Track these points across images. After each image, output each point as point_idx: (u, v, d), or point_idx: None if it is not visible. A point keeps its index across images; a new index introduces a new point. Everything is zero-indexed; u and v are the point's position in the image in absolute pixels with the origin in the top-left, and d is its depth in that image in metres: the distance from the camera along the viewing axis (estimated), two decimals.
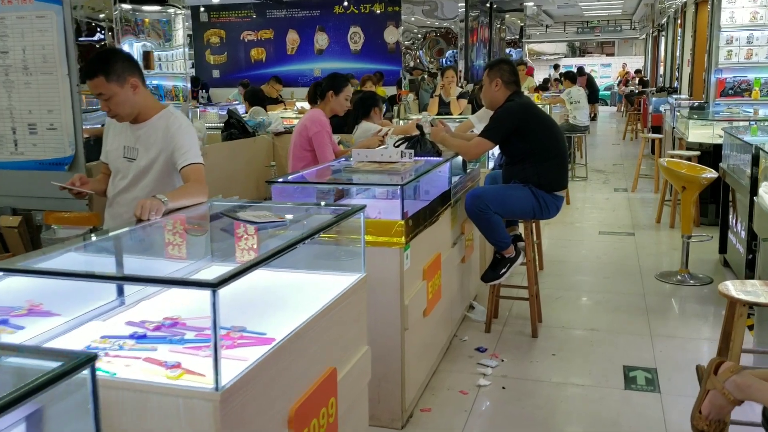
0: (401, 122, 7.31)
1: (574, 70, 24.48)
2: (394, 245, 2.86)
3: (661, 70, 17.00)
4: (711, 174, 4.96)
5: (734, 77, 8.16)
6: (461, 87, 11.40)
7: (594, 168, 11.01)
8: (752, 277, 4.12)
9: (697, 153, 6.75)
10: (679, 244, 5.85)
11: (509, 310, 4.42)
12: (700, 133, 7.14)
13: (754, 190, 4.22)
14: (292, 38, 14.75)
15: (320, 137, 4.20)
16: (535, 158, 3.84)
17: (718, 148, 6.70)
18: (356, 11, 14.24)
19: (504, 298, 4.32)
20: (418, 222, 3.11)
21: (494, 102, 3.99)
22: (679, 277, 5.05)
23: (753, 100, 8.10)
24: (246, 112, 6.18)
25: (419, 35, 10.01)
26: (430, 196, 3.61)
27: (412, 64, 9.93)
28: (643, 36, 24.73)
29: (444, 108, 7.70)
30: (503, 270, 3.97)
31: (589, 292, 4.90)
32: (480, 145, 3.97)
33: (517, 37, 18.66)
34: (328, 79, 4.33)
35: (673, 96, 11.37)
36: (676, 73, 12.67)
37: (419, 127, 3.85)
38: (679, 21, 12.27)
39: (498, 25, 16.83)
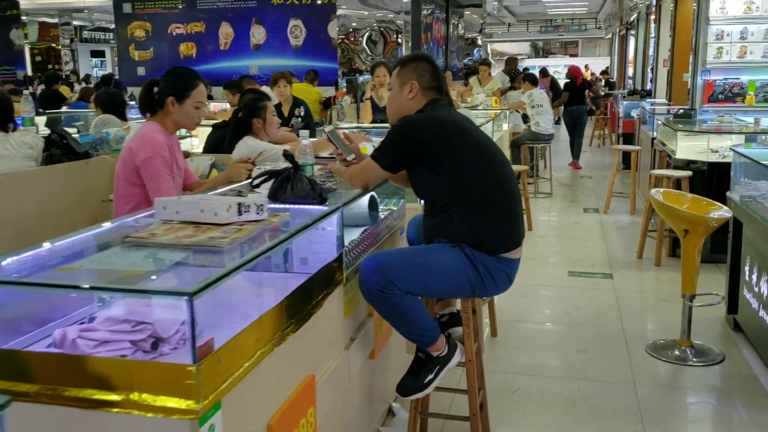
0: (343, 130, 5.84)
1: (536, 71, 23.35)
2: (174, 414, 1.42)
3: (630, 72, 15.86)
4: (722, 212, 3.62)
5: (725, 79, 6.91)
6: None
7: (560, 181, 9.70)
8: None
9: (689, 173, 5.44)
10: (670, 293, 4.53)
11: (443, 423, 3.00)
12: (687, 146, 5.84)
13: None
14: (226, 32, 13.17)
15: (151, 166, 2.74)
16: (466, 203, 2.44)
17: (715, 168, 5.42)
18: (297, 2, 12.72)
19: (434, 417, 2.88)
20: (246, 346, 1.67)
21: (403, 114, 2.58)
22: (678, 353, 3.70)
23: (747, 106, 6.85)
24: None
25: (360, 28, 8.61)
26: (295, 277, 2.18)
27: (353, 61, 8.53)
28: (609, 35, 23.69)
29: (379, 114, 6.29)
30: (430, 376, 2.54)
31: (558, 381, 3.51)
32: (365, 171, 2.59)
33: (477, 35, 17.38)
34: (167, 78, 2.86)
35: (648, 100, 10.14)
36: (650, 74, 11.47)
37: (288, 156, 2.39)
38: (653, 16, 11.08)
39: (455, 22, 15.50)
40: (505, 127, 8.58)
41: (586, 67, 24.22)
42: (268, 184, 2.41)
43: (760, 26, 6.65)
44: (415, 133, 2.47)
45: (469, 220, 2.44)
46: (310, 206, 2.32)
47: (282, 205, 2.34)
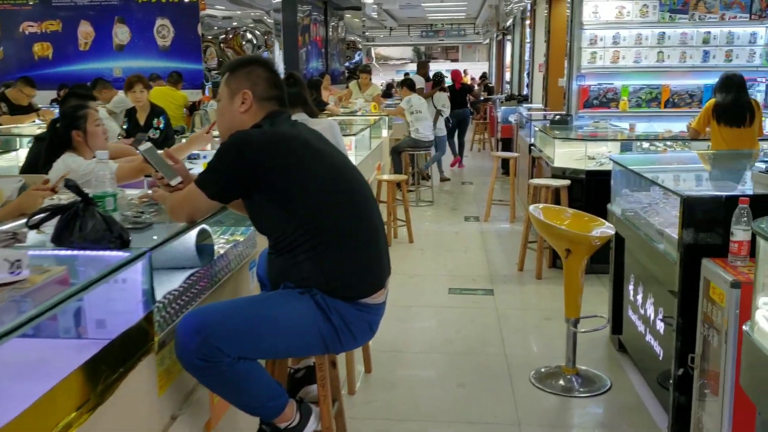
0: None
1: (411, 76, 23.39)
2: None
3: (508, 76, 16.06)
4: (605, 229, 3.36)
5: (599, 85, 6.87)
6: None
7: (442, 188, 9.50)
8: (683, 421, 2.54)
9: (567, 183, 5.27)
10: (552, 310, 4.30)
11: None
12: (564, 153, 5.69)
13: (689, 269, 2.63)
14: (85, 31, 12.07)
15: None
16: (316, 239, 1.98)
17: (594, 176, 5.27)
18: (163, 0, 11.87)
19: None
20: None
21: (235, 129, 2.10)
22: (564, 382, 3.41)
23: (621, 111, 6.84)
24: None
25: (229, 28, 7.99)
26: (88, 346, 1.64)
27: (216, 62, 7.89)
28: (487, 41, 24.13)
29: None
30: None
31: (438, 426, 3.12)
32: (188, 201, 2.08)
33: (357, 38, 17.07)
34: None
35: (525, 105, 10.13)
36: (526, 79, 11.54)
37: (71, 186, 1.81)
38: (528, 21, 11.14)
39: (335, 24, 15.10)
40: (385, 133, 8.24)
41: (465, 71, 24.56)
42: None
43: (631, 31, 6.66)
44: (249, 152, 1.99)
45: (320, 261, 1.98)
46: (107, 251, 1.78)
47: (70, 252, 1.79)
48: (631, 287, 3.52)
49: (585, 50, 6.77)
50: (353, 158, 5.61)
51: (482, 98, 16.73)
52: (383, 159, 7.87)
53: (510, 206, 7.36)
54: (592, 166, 5.45)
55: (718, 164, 4.24)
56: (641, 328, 3.35)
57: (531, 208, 3.50)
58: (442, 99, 9.56)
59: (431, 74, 11.16)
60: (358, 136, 5.94)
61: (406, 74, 24.52)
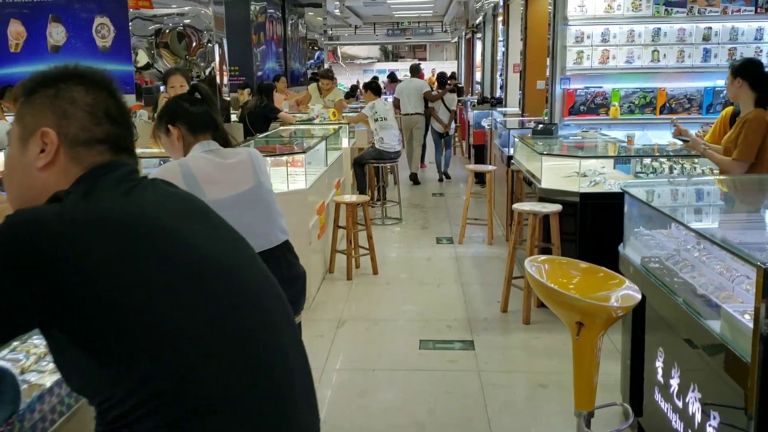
0: None
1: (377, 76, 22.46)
2: None
3: (478, 77, 15.25)
4: (628, 291, 2.49)
5: (586, 88, 6.04)
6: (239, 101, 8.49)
7: (411, 202, 8.62)
8: None
9: (558, 208, 4.42)
10: (548, 373, 3.42)
11: None
12: (550, 168, 4.84)
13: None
14: (16, 31, 10.89)
15: None
16: (167, 410, 1.07)
17: (590, 199, 4.44)
18: None
19: None
20: None
21: (28, 202, 1.17)
22: None
23: (611, 119, 6.02)
24: None
25: (161, 25, 6.99)
26: None
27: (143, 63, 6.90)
28: (455, 39, 23.33)
29: None
30: None
31: None
32: None
33: (320, 36, 16.11)
34: None
35: (500, 110, 9.30)
36: (500, 80, 10.72)
37: None
38: (501, 18, 10.31)
39: (294, 22, 14.12)
40: (346, 143, 7.33)
41: (432, 71, 23.74)
42: None
43: (622, 28, 5.83)
44: (32, 253, 1.06)
45: None
46: None
47: None
48: (658, 365, 2.65)
49: (570, 49, 5.94)
50: (303, 181, 4.70)
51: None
52: (344, 173, 6.96)
53: (487, 226, 6.50)
54: (586, 186, 4.61)
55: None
56: (674, 420, 2.50)
57: (527, 264, 2.61)
58: (454, 99, 10.39)
59: (401, 75, 10.54)
60: (308, 153, 5.03)
61: (375, 77, 23.65)
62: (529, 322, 4.37)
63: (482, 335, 4.22)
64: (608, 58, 5.90)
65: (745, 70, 3.56)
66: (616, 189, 4.50)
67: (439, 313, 4.62)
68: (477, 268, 5.70)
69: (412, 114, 9.95)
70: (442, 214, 7.85)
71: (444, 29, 24.59)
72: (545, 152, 4.82)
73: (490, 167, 6.76)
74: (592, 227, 4.45)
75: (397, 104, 10.26)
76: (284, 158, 4.58)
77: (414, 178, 9.95)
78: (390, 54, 39.89)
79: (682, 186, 3.62)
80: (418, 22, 24.43)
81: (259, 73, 11.64)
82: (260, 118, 6.94)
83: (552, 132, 5.76)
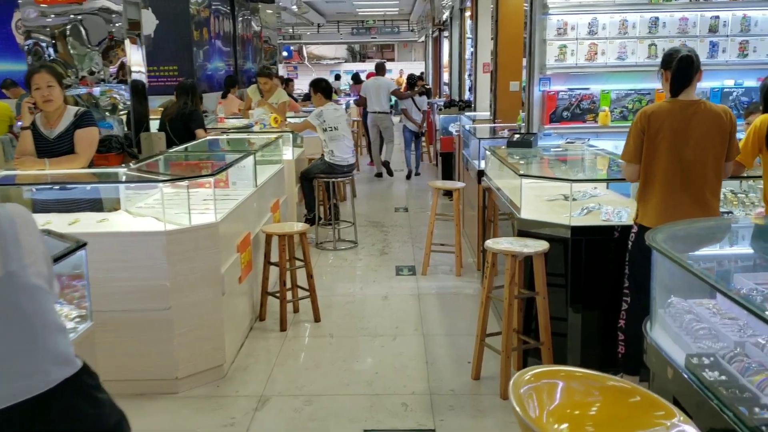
0: None
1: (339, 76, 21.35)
2: None
3: (446, 77, 14.27)
4: None
5: (570, 91, 5.04)
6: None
7: (369, 218, 7.56)
8: None
9: (545, 247, 3.39)
10: None
11: None
12: (530, 188, 3.81)
13: None
14: None
15: None
16: None
17: (584, 234, 3.44)
18: None
19: None
20: None
21: None
22: None
23: (601, 126, 5.03)
24: None
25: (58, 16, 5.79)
26: None
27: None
28: (423, 38, 22.34)
29: (46, 151, 3.75)
30: None
31: None
32: None
33: (271, 34, 14.98)
34: None
35: (468, 114, 8.29)
36: (468, 81, 9.72)
37: None
38: (469, 12, 9.32)
39: (247, 18, 12.97)
40: (288, 155, 6.23)
41: (401, 72, 22.74)
42: None
43: (614, 17, 4.85)
44: None
45: None
46: None
47: None
48: None
49: (551, 43, 4.95)
50: (211, 212, 3.61)
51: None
52: (285, 190, 5.88)
53: (455, 254, 5.47)
54: (577, 214, 3.61)
55: None
56: None
57: (512, 388, 1.58)
58: (425, 101, 10.61)
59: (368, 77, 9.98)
60: (234, 170, 3.95)
61: (337, 75, 22.57)
62: (507, 397, 3.34)
63: (447, 418, 3.18)
64: (596, 53, 4.91)
65: None
66: (616, 219, 3.53)
67: (393, 383, 3.57)
68: (443, 310, 4.66)
69: (379, 112, 9.88)
70: (405, 235, 6.80)
71: (411, 28, 23.62)
72: (524, 172, 3.80)
73: (458, 184, 5.72)
74: (588, 270, 3.45)
75: (362, 102, 10.36)
76: (185, 183, 3.48)
77: (387, 167, 10.24)
78: (357, 54, 38.78)
79: (734, 229, 2.61)
80: (384, 21, 23.42)
81: (208, 73, 10.52)
82: (183, 126, 5.82)
83: (530, 144, 4.75)
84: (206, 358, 3.60)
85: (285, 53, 31.42)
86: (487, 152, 4.95)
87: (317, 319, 4.46)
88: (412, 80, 10.96)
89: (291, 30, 23.62)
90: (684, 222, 2.32)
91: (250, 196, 4.41)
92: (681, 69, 2.98)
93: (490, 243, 3.46)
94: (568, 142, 4.89)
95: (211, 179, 3.58)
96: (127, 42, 5.36)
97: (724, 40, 4.84)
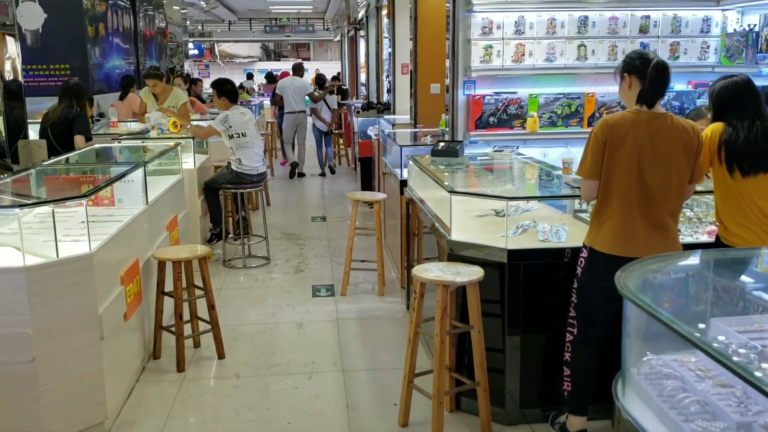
0: None
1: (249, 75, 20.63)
2: None
3: (363, 78, 13.83)
4: None
5: (497, 95, 4.68)
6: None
7: (283, 230, 7.02)
8: None
9: (479, 275, 2.97)
10: None
11: None
12: (458, 202, 3.40)
13: None
14: None
15: None
16: None
17: (521, 257, 3.05)
18: None
19: None
20: None
21: None
22: None
23: (529, 133, 4.69)
24: None
25: None
26: None
27: None
28: (338, 37, 21.84)
29: None
30: None
31: None
32: None
33: (176, 31, 14.14)
34: None
35: (388, 117, 7.86)
36: (386, 83, 9.31)
37: None
38: (386, 11, 8.89)
39: (146, 13, 12.12)
40: (189, 164, 5.61)
41: (316, 71, 22.14)
42: None
43: (541, 15, 4.51)
44: None
45: None
46: None
47: None
48: None
49: (475, 43, 4.56)
50: (85, 241, 3.01)
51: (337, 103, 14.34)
52: (186, 204, 5.27)
53: (378, 273, 5.02)
54: (512, 234, 3.21)
55: None
56: None
57: None
58: (335, 99, 10.86)
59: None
60: (119, 186, 3.34)
61: (250, 74, 21.74)
62: None
63: None
64: (524, 54, 4.57)
65: None
66: (554, 239, 3.16)
67: None
68: (365, 339, 4.19)
69: (297, 112, 10.09)
70: (322, 249, 6.30)
71: (326, 27, 23.07)
72: (452, 186, 3.38)
73: (378, 195, 5.27)
74: (528, 298, 3.06)
75: (278, 102, 10.56)
76: (49, 207, 2.86)
77: (295, 168, 10.46)
78: (272, 53, 37.87)
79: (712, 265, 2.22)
80: (298, 19, 22.76)
81: (105, 72, 9.67)
82: (67, 132, 5.11)
83: (457, 153, 4.35)
84: (83, 416, 3.00)
85: (195, 51, 30.20)
86: (411, 163, 4.52)
87: (221, 356, 3.90)
88: (321, 80, 11.17)
89: (201, 27, 22.62)
90: (655, 259, 1.93)
91: (139, 215, 3.80)
92: (659, 76, 2.59)
93: (417, 272, 3.01)
94: (496, 151, 4.52)
95: (83, 201, 2.96)
96: None
97: (655, 42, 4.59)
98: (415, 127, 6.45)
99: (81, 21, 8.76)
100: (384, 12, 9.68)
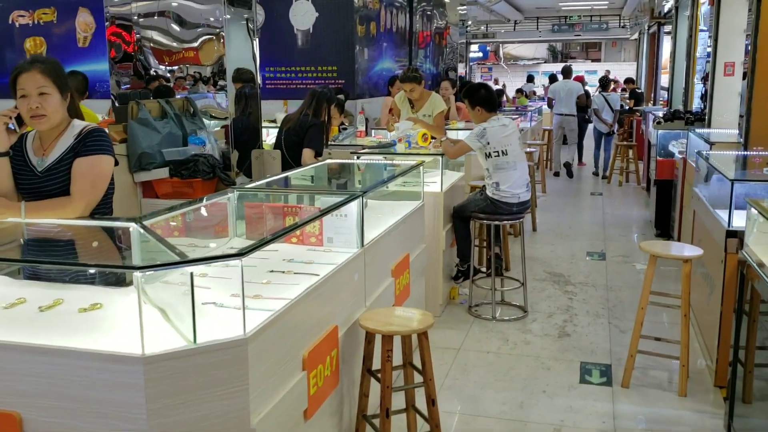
0: None
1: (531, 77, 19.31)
2: None
3: (664, 81, 11.70)
4: None
5: None
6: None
7: (550, 266, 5.67)
8: None
9: None
10: None
11: None
12: None
13: None
14: (85, 22, 9.24)
15: None
16: None
17: None
18: None
19: None
20: None
21: None
22: None
23: None
24: None
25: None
26: None
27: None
28: (635, 36, 19.47)
29: None
30: None
31: None
32: None
33: (459, 27, 13.35)
34: None
35: (699, 131, 6.00)
36: (700, 86, 7.36)
37: None
38: None
39: (424, 11, 11.48)
40: (435, 186, 4.52)
41: (606, 73, 20.03)
42: None
43: None
44: None
45: None
46: None
47: None
48: None
49: None
50: (238, 322, 2.04)
51: (627, 108, 12.45)
52: (426, 237, 4.21)
53: (680, 362, 3.46)
54: None
55: None
56: None
57: None
58: (618, 99, 10.89)
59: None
60: (327, 220, 2.38)
61: (530, 77, 20.42)
62: None
63: None
64: None
65: None
66: None
67: None
68: None
69: (566, 114, 10.38)
70: (598, 303, 4.83)
71: (622, 24, 20.79)
72: None
73: (690, 251, 3.65)
74: None
75: (549, 104, 11.27)
76: (187, 269, 1.93)
77: (568, 168, 10.62)
78: (559, 54, 35.86)
79: None
80: (591, 16, 20.82)
81: (373, 75, 9.18)
82: (299, 143, 4.37)
83: None
84: None
85: (480, 53, 29.67)
86: (751, 208, 2.91)
87: None
88: (604, 81, 11.22)
89: (485, 28, 21.87)
90: None
91: (348, 263, 2.79)
92: None
93: None
94: None
95: (239, 261, 1.98)
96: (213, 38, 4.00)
97: None
98: (746, 149, 4.65)
99: (351, 20, 8.30)
100: (702, 0, 7.71)
